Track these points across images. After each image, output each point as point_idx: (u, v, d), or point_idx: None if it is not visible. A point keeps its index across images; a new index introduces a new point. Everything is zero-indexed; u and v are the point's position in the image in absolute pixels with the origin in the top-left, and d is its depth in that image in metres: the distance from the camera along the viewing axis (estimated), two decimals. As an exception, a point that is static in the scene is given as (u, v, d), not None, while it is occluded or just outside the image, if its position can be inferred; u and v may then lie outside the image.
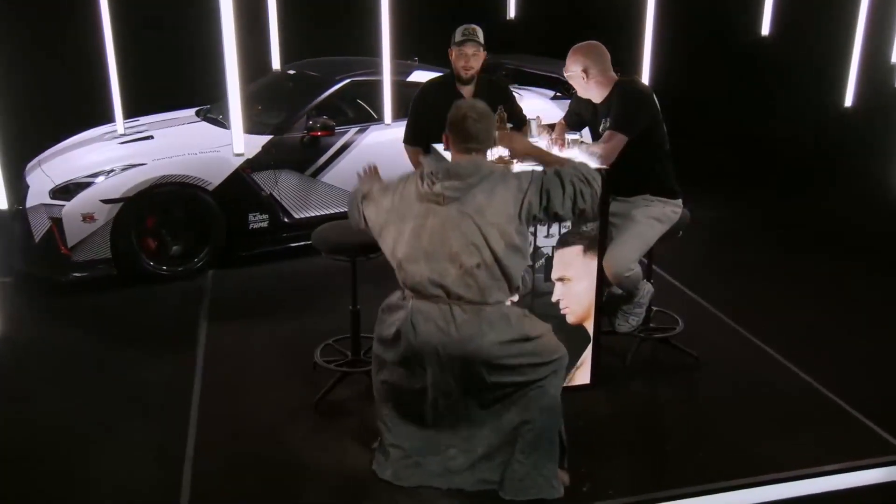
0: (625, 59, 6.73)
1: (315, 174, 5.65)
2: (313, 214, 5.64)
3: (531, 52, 7.29)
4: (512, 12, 5.44)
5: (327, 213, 5.64)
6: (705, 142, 8.68)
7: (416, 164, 4.12)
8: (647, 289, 3.95)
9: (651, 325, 4.25)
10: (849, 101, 5.69)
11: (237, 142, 3.13)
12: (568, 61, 3.77)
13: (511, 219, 2.87)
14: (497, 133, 3.15)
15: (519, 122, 4.18)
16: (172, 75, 7.06)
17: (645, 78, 5.55)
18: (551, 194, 2.91)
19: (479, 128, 2.94)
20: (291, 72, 6.33)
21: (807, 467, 3.31)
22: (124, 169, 5.16)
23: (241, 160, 5.41)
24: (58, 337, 4.53)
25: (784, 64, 7.74)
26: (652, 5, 5.41)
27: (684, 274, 5.27)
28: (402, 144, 4.35)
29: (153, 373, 4.04)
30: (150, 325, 4.64)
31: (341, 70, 6.02)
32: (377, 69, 5.36)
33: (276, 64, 4.98)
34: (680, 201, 3.92)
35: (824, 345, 4.42)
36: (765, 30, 5.43)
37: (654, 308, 4.37)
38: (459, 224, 2.84)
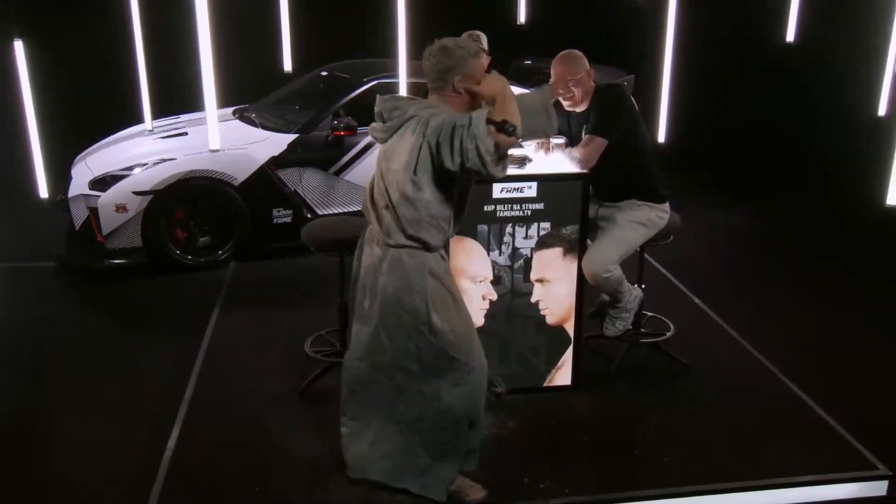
0: (643, 65, 6.72)
1: (338, 172, 5.84)
2: (336, 211, 5.85)
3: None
4: (522, 17, 5.51)
5: (349, 210, 5.83)
6: (727, 148, 8.59)
7: None
8: (634, 294, 3.97)
9: (642, 330, 4.25)
10: (882, 109, 5.54)
11: (213, 138, 3.32)
12: (552, 70, 3.81)
13: (407, 167, 2.77)
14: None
15: None
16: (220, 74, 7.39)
17: (665, 83, 5.55)
18: (441, 149, 2.71)
19: (427, 65, 2.85)
20: (324, 73, 6.55)
21: (775, 477, 3.29)
22: (156, 163, 5.47)
23: (267, 157, 5.66)
24: (82, 318, 4.88)
25: (809, 71, 7.57)
26: (673, 8, 5.40)
27: (692, 280, 5.26)
28: None
29: (159, 354, 4.33)
30: (168, 311, 4.93)
31: (371, 72, 6.19)
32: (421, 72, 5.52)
33: (287, 66, 5.19)
34: (667, 206, 3.93)
35: (821, 357, 4.38)
36: (790, 36, 5.34)
37: (649, 314, 4.39)
38: (375, 166, 2.93)
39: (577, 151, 3.70)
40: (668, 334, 4.23)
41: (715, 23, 7.58)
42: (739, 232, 6.53)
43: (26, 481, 3.33)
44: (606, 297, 4.00)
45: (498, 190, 3.57)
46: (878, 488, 3.29)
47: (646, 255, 5.65)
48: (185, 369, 4.08)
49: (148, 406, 3.81)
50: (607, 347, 4.22)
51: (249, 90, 6.66)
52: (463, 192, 2.94)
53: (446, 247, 3.07)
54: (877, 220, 5.81)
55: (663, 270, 5.45)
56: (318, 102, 6.13)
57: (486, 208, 3.58)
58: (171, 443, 3.45)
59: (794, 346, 4.48)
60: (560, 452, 3.43)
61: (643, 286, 4.08)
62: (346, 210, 5.83)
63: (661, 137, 5.65)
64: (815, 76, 7.69)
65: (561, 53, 3.81)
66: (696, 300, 4.98)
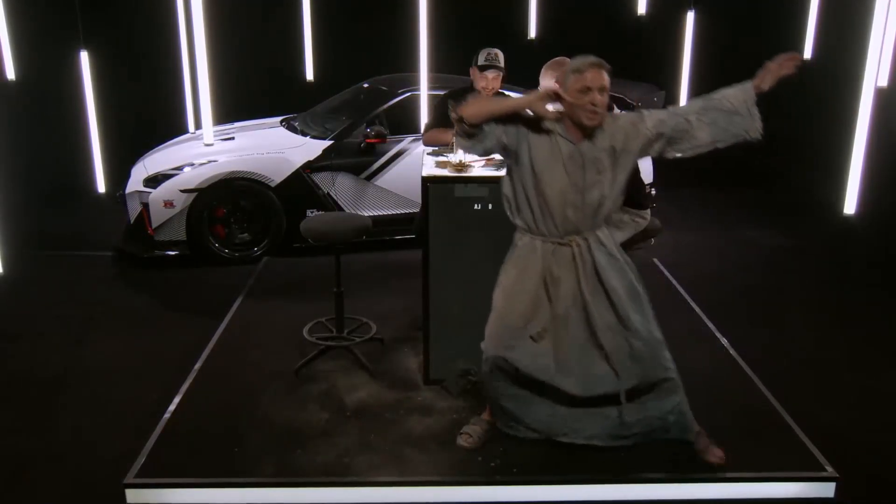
0: (661, 79, 6.83)
1: (369, 178, 6.22)
2: (366, 214, 6.21)
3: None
4: (533, 32, 5.74)
5: (379, 213, 6.20)
6: (774, 166, 8.50)
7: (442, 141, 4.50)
8: (615, 296, 4.13)
9: (626, 331, 4.40)
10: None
11: (207, 134, 3.73)
12: (541, 78, 4.06)
13: None
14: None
15: None
16: (274, 86, 7.96)
17: (682, 98, 5.69)
18: None
19: None
20: (366, 85, 6.97)
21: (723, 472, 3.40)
22: (202, 164, 5.99)
23: (303, 161, 6.10)
24: (127, 298, 5.45)
25: (827, 87, 7.48)
26: (690, 26, 5.55)
27: (703, 293, 5.35)
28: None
29: (182, 332, 4.81)
30: (199, 298, 5.41)
31: (407, 84, 6.56)
32: (440, 83, 5.89)
33: (309, 75, 5.60)
34: (647, 212, 4.09)
35: (809, 370, 4.45)
36: (807, 53, 5.38)
37: (636, 317, 4.53)
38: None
39: (552, 156, 3.92)
40: (649, 336, 4.36)
41: (733, 39, 7.63)
42: (774, 250, 6.56)
43: (47, 424, 3.86)
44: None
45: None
46: (827, 490, 3.35)
47: (661, 266, 5.83)
48: (200, 346, 4.51)
49: (161, 374, 4.26)
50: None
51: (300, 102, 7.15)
52: (522, 178, 3.17)
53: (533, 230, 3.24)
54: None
55: (674, 281, 5.55)
56: (356, 112, 6.54)
57: (462, 206, 3.85)
58: (172, 406, 3.86)
59: (786, 359, 4.55)
60: (518, 437, 3.62)
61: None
62: (375, 213, 6.20)
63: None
64: (832, 92, 7.64)
65: (555, 59, 4.03)
66: (697, 310, 5.07)
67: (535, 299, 3.24)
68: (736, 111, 3.13)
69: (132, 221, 6.12)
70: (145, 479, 3.30)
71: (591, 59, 3.09)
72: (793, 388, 4.13)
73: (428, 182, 3.83)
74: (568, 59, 3.98)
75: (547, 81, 4.02)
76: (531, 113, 3.14)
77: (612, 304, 3.25)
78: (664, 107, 6.87)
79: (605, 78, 3.06)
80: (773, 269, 6.13)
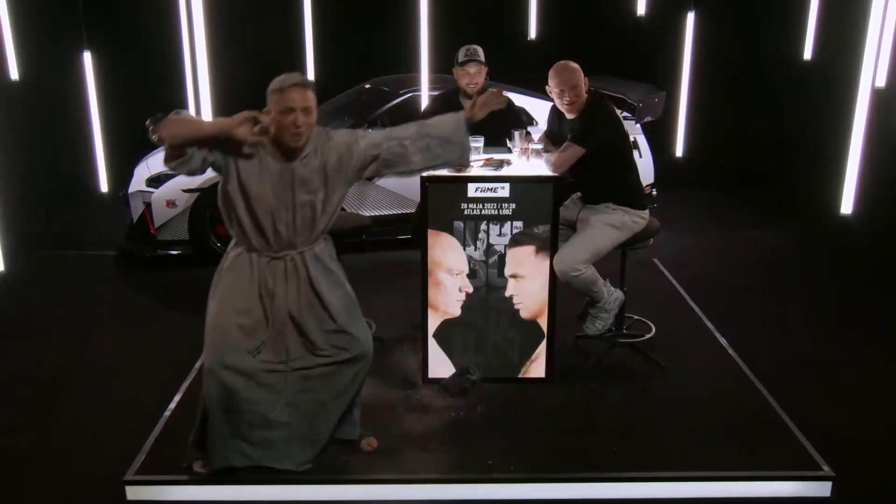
0: (661, 80, 6.84)
1: (370, 178, 6.22)
2: (366, 213, 6.23)
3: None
4: (533, 33, 5.76)
5: (379, 213, 6.21)
6: (779, 167, 8.49)
7: None
8: (614, 296, 4.15)
9: (625, 331, 4.41)
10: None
11: None
12: (550, 80, 4.05)
13: None
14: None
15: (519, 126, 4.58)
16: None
17: (683, 98, 5.71)
18: None
19: None
20: (367, 86, 6.99)
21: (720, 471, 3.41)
22: (204, 164, 6.01)
23: (304, 161, 6.11)
24: (129, 298, 5.49)
25: (825, 88, 7.49)
26: (690, 26, 5.57)
27: (702, 293, 5.36)
28: None
29: (182, 331, 4.80)
30: (200, 297, 5.36)
31: (408, 85, 6.57)
32: (441, 84, 5.89)
33: (310, 76, 5.63)
34: (646, 212, 4.10)
35: (808, 370, 4.45)
36: (807, 54, 5.39)
37: (635, 317, 4.56)
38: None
39: (552, 156, 3.94)
40: (647, 336, 4.38)
41: (733, 40, 7.63)
42: (774, 250, 6.56)
43: (48, 423, 3.88)
44: (587, 298, 4.20)
45: (473, 189, 3.85)
46: (823, 489, 3.36)
47: (661, 267, 5.85)
48: (201, 345, 4.49)
49: (161, 372, 4.28)
50: (595, 347, 4.40)
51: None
52: (233, 195, 3.07)
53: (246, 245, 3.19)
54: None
55: (674, 282, 5.57)
56: (359, 113, 6.56)
57: (461, 206, 3.87)
58: (172, 404, 3.89)
59: (785, 359, 4.55)
60: (516, 436, 3.65)
61: (625, 289, 4.25)
62: (376, 213, 6.21)
63: (679, 152, 5.82)
64: (832, 93, 7.67)
65: (559, 63, 4.03)
66: (697, 309, 5.08)
67: (253, 312, 3.20)
68: (448, 139, 3.24)
69: (135, 221, 6.14)
70: (145, 476, 3.33)
71: (295, 78, 3.01)
72: (791, 388, 4.14)
73: (427, 182, 3.85)
74: (572, 63, 4.01)
75: (550, 85, 4.01)
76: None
77: (330, 315, 3.22)
78: (664, 108, 6.93)
79: (310, 97, 3.00)
80: (773, 269, 6.14)
